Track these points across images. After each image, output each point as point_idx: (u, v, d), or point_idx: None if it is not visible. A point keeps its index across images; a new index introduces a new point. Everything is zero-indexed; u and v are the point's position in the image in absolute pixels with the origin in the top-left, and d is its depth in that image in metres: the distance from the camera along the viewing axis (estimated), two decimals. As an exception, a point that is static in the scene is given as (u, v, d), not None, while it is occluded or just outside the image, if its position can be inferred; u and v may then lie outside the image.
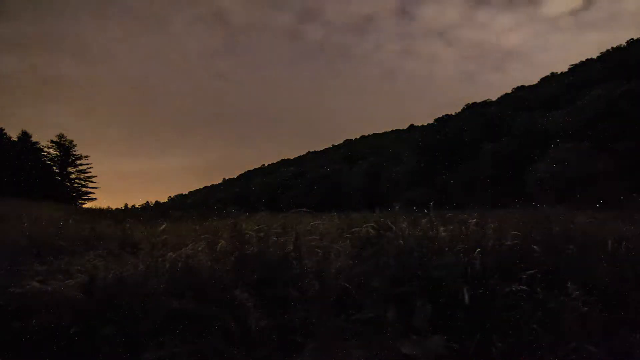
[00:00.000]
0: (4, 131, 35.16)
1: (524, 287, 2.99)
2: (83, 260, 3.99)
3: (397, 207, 4.44)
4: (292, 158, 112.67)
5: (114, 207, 24.95)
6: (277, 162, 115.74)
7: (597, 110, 26.12)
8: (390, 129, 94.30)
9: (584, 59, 50.90)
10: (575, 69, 49.93)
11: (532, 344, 2.72)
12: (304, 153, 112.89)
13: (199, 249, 3.98)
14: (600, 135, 24.75)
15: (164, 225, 4.64)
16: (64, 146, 38.82)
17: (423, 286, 3.17)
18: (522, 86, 58.99)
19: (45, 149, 38.00)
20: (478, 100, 59.45)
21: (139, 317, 2.93)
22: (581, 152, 24.57)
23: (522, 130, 33.70)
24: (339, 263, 3.55)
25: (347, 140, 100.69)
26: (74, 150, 39.42)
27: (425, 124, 71.90)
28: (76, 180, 39.91)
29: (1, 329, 2.72)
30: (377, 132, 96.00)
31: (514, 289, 2.98)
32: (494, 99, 57.65)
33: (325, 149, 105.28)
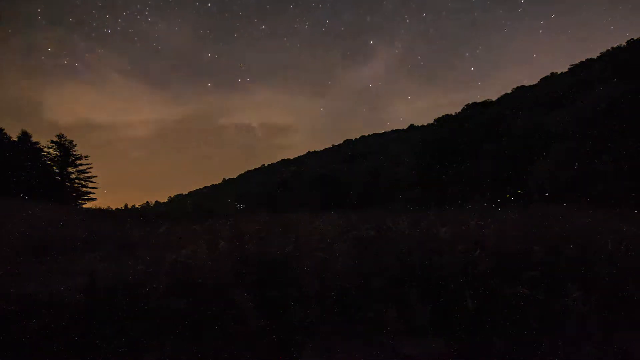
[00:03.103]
0: (4, 131, 35.12)
1: (524, 288, 2.98)
2: (83, 261, 3.98)
3: (397, 207, 4.42)
4: (292, 158, 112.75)
5: (114, 207, 24.98)
6: (277, 162, 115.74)
7: (597, 110, 26.10)
8: (390, 129, 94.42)
9: (584, 59, 50.88)
10: (575, 69, 49.81)
11: (533, 343, 2.72)
12: (304, 153, 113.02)
13: (199, 249, 3.99)
14: (600, 135, 24.73)
15: (164, 227, 4.64)
16: (64, 146, 38.77)
17: (423, 286, 3.17)
18: (522, 86, 58.89)
19: (45, 149, 37.93)
20: (478, 101, 59.55)
21: (139, 317, 2.92)
22: (581, 152, 24.55)
23: (522, 130, 33.67)
24: (339, 263, 3.55)
25: (347, 140, 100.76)
26: (74, 150, 39.38)
27: (425, 124, 71.96)
28: (76, 180, 39.85)
29: (2, 330, 2.72)
30: (377, 132, 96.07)
31: (514, 290, 2.98)
32: (494, 99, 57.67)
33: (325, 149, 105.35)
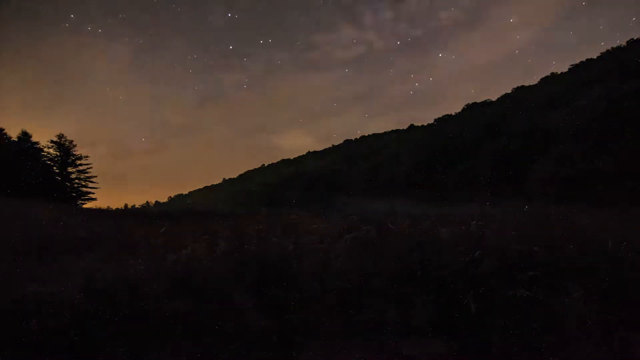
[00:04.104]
0: (4, 131, 35.11)
1: (524, 289, 2.98)
2: (83, 261, 3.98)
3: (397, 207, 4.43)
4: (292, 158, 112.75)
5: (114, 207, 24.98)
6: (277, 162, 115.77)
7: (597, 110, 26.10)
8: (390, 129, 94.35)
9: (584, 59, 50.91)
10: (575, 69, 49.83)
11: (533, 343, 2.72)
12: (304, 153, 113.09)
13: (199, 249, 3.98)
14: (600, 135, 24.72)
15: (164, 228, 4.64)
16: (64, 146, 38.75)
17: (423, 287, 3.17)
18: (522, 86, 58.90)
19: (45, 149, 37.88)
20: (478, 101, 59.59)
21: (139, 317, 2.92)
22: (581, 152, 24.56)
23: (522, 130, 33.68)
24: (339, 263, 3.55)
25: (347, 140, 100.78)
26: (74, 150, 39.38)
27: (425, 124, 72.04)
28: (76, 180, 39.83)
29: (2, 330, 2.72)
30: (377, 132, 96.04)
31: (515, 290, 2.97)
32: (494, 99, 57.68)
33: (325, 149, 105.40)
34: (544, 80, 55.60)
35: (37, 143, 37.23)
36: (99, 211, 16.83)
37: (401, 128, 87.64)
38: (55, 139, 38.54)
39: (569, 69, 51.56)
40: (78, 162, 39.57)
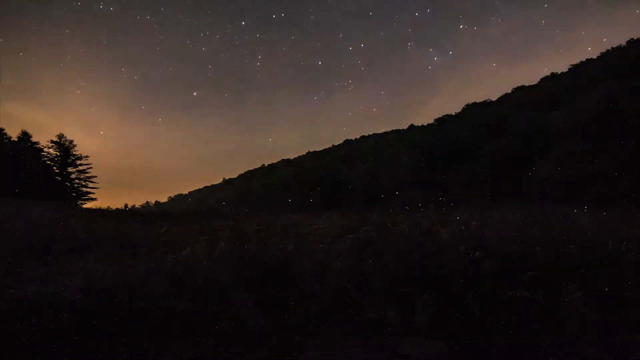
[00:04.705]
0: (4, 131, 35.13)
1: (524, 289, 2.98)
2: (83, 261, 3.98)
3: (397, 207, 4.43)
4: (292, 158, 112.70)
5: (114, 207, 25.01)
6: (277, 162, 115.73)
7: (597, 110, 26.11)
8: (390, 129, 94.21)
9: (584, 59, 50.93)
10: (575, 69, 49.81)
11: (533, 344, 2.72)
12: (304, 153, 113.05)
13: (199, 249, 3.99)
14: (600, 135, 24.73)
15: (164, 228, 4.64)
16: (64, 146, 38.75)
17: (423, 286, 3.17)
18: (522, 86, 58.90)
19: (45, 149, 37.86)
20: (478, 101, 59.65)
21: (139, 317, 2.92)
22: (581, 152, 24.56)
23: (522, 130, 33.68)
24: (339, 263, 3.55)
25: (347, 140, 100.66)
26: (74, 150, 39.39)
27: (425, 124, 72.07)
28: (76, 180, 39.84)
29: (2, 330, 2.72)
30: (377, 132, 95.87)
31: (515, 290, 2.97)
32: (494, 99, 57.70)
33: (325, 149, 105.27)
34: (544, 80, 55.57)
35: (37, 143, 37.26)
36: (99, 211, 16.82)
37: (401, 128, 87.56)
38: (55, 139, 38.54)
39: (569, 69, 51.52)
40: (78, 162, 39.57)
